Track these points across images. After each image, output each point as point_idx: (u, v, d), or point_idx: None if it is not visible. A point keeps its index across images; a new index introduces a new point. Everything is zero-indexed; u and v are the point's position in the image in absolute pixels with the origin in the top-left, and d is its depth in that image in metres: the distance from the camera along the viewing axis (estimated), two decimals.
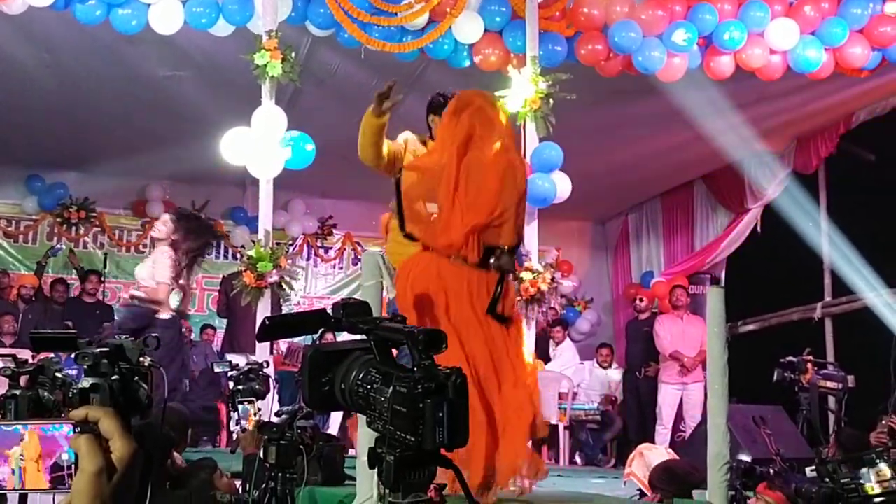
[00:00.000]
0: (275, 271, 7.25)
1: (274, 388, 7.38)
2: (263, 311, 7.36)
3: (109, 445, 1.33)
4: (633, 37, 7.96)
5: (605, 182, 11.67)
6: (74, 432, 1.35)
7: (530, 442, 4.44)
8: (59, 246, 12.55)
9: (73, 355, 2.34)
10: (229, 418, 9.16)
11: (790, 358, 8.23)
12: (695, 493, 5.15)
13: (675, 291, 11.27)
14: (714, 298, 4.76)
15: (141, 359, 2.30)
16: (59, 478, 2.26)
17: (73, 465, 2.23)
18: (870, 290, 10.15)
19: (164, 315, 7.36)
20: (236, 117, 7.43)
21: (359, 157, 5.56)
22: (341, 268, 14.11)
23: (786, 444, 7.18)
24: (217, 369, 7.25)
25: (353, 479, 4.39)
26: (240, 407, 6.03)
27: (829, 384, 8.20)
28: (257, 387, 5.98)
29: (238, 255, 12.13)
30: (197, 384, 10.49)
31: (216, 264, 13.48)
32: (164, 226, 7.65)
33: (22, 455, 2.36)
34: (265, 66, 7.34)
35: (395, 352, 1.57)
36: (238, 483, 5.21)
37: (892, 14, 8.45)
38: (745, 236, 12.27)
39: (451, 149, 4.49)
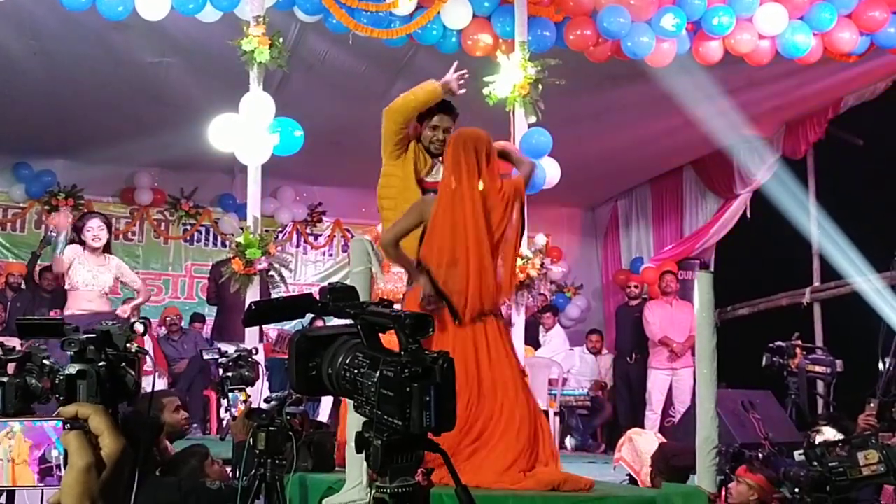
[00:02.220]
0: (264, 258, 7.24)
1: (264, 375, 7.38)
2: (253, 298, 7.34)
3: (99, 442, 1.34)
4: (622, 22, 7.95)
5: (595, 168, 11.67)
6: (64, 428, 1.35)
7: None
8: (51, 233, 12.51)
9: (59, 342, 2.32)
10: (219, 406, 9.17)
11: (779, 343, 8.26)
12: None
13: (664, 277, 11.30)
14: (703, 284, 4.76)
15: (128, 345, 2.29)
16: (47, 469, 2.26)
17: (61, 460, 2.23)
18: (858, 274, 10.19)
19: None
20: (224, 103, 7.40)
21: (391, 109, 5.54)
22: (331, 255, 14.09)
23: (774, 429, 7.20)
24: (206, 356, 7.24)
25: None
26: (230, 394, 6.03)
27: (818, 368, 8.24)
28: (247, 374, 5.96)
29: (227, 243, 12.12)
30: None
31: (205, 252, 13.47)
32: (102, 232, 7.82)
33: (10, 450, 2.34)
34: (253, 51, 7.30)
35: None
36: (229, 469, 5.21)
37: None
38: (734, 222, 12.29)
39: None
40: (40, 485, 2.39)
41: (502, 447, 4.53)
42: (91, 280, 7.73)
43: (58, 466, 2.20)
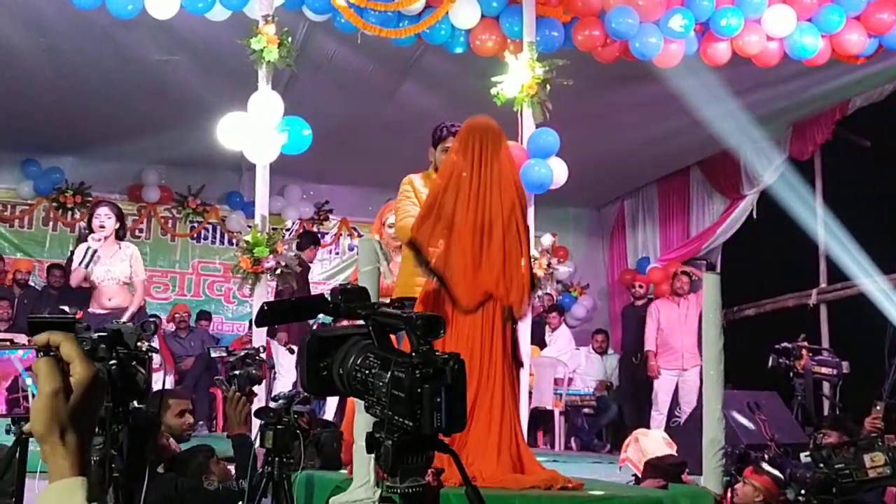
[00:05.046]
0: (271, 256, 7.25)
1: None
2: (260, 295, 7.36)
3: (70, 369, 1.35)
4: (630, 23, 7.95)
5: (602, 168, 11.67)
6: (37, 356, 1.36)
7: None
8: (85, 230, 12.58)
9: None
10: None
11: (785, 344, 8.26)
12: (693, 478, 5.18)
13: (679, 277, 11.28)
14: (710, 285, 4.76)
15: (138, 344, 2.30)
16: (14, 400, 2.30)
17: (29, 391, 2.25)
18: (865, 276, 10.17)
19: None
20: (232, 102, 7.42)
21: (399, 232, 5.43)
22: (337, 253, 14.11)
23: (780, 430, 7.21)
24: (213, 354, 7.25)
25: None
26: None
27: (824, 370, 8.24)
28: (254, 371, 5.97)
29: (234, 240, 12.14)
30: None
31: (212, 249, 13.50)
32: (108, 220, 7.58)
33: None
34: (262, 50, 7.31)
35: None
36: (232, 468, 5.20)
37: None
38: (740, 222, 12.28)
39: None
40: (8, 414, 2.43)
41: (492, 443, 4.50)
42: (105, 275, 7.57)
43: (24, 398, 2.23)
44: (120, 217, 7.77)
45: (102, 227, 7.57)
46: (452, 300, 4.52)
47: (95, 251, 7.50)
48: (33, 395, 1.35)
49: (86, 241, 7.73)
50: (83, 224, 11.15)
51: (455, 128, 5.33)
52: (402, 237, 5.23)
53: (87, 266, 7.54)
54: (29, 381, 2.21)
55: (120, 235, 7.76)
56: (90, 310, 7.61)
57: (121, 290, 7.63)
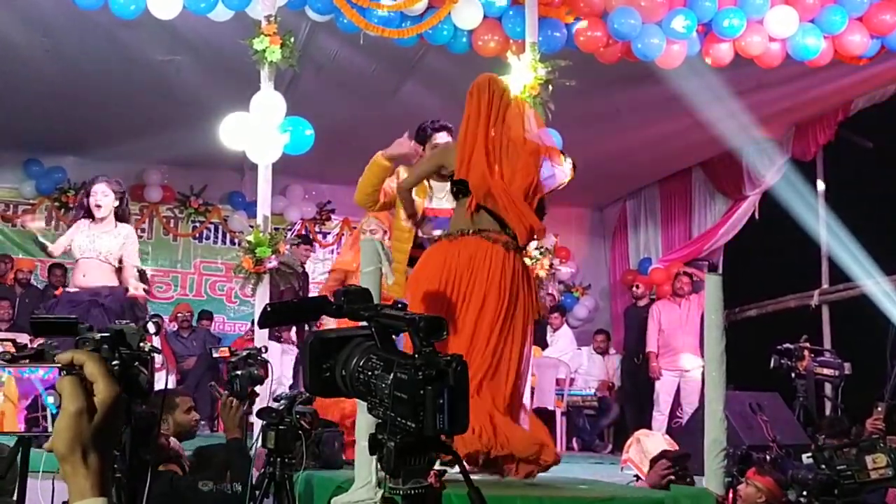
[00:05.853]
0: (273, 257, 7.24)
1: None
2: (262, 295, 7.36)
3: (93, 388, 1.35)
4: (633, 23, 7.95)
5: (604, 169, 11.65)
6: (60, 374, 1.37)
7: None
8: None
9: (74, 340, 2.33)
10: None
11: (787, 345, 8.26)
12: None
13: (680, 278, 11.28)
14: (711, 285, 4.76)
15: (141, 344, 2.30)
16: (33, 419, 2.31)
17: (48, 412, 2.26)
18: (867, 277, 10.17)
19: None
20: (235, 102, 7.42)
21: (355, 198, 5.72)
22: (339, 253, 14.10)
23: (782, 431, 7.21)
24: (215, 354, 7.24)
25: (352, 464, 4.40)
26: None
27: (826, 371, 8.24)
28: (256, 372, 5.97)
29: (236, 240, 12.15)
30: None
31: (214, 249, 13.51)
32: (106, 198, 6.80)
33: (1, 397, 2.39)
34: (264, 51, 7.31)
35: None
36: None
37: None
38: (742, 223, 12.27)
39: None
40: (26, 432, 2.45)
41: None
42: (87, 246, 6.78)
43: (44, 417, 2.24)
44: (120, 195, 7.00)
45: (98, 206, 6.83)
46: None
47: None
48: (52, 416, 1.35)
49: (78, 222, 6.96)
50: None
51: (439, 124, 5.53)
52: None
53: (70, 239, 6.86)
54: (51, 399, 2.21)
55: (120, 215, 6.98)
56: (67, 289, 6.94)
57: (101, 267, 6.78)
